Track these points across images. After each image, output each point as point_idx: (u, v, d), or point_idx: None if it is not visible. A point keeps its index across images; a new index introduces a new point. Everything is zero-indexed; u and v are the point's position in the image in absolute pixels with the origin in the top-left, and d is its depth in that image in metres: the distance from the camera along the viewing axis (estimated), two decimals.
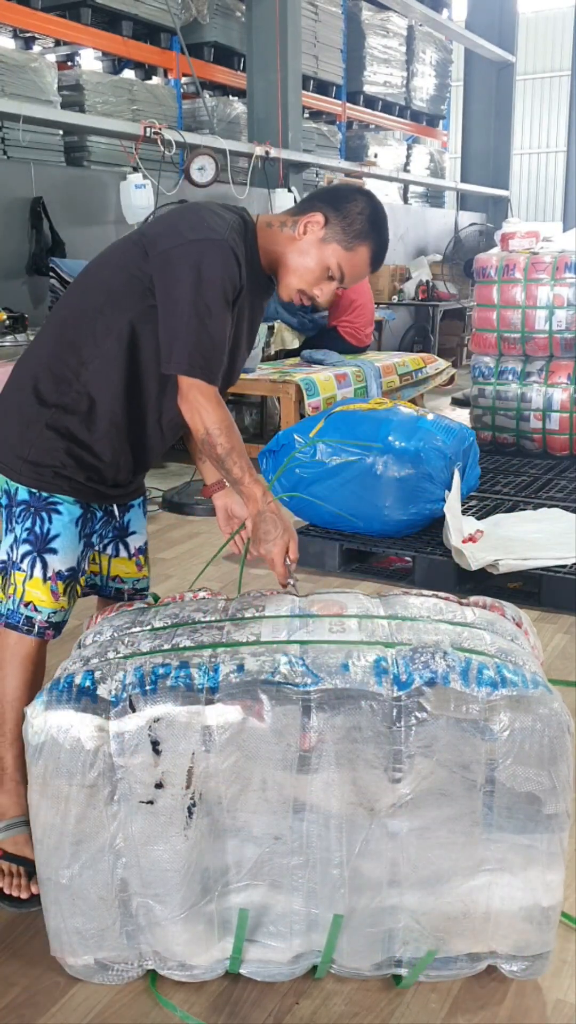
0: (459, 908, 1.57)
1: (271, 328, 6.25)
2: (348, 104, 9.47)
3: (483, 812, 1.52)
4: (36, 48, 7.27)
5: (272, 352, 6.41)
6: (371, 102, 9.98)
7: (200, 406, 1.73)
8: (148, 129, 5.86)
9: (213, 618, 1.71)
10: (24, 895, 1.81)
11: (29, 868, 1.80)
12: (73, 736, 1.51)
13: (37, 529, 1.81)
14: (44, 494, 1.81)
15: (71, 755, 1.51)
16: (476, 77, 12.12)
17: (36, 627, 1.82)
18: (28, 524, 1.81)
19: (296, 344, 6.55)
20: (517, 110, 13.04)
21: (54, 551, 1.81)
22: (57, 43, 7.11)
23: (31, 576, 1.81)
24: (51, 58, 7.11)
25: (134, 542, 2.03)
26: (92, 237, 5.71)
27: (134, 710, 1.50)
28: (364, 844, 1.53)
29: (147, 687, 1.51)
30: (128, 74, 7.59)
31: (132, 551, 2.03)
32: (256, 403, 6.41)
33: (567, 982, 1.67)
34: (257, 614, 1.71)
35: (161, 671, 1.53)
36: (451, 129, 12.87)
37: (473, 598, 1.85)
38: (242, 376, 5.52)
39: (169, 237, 1.73)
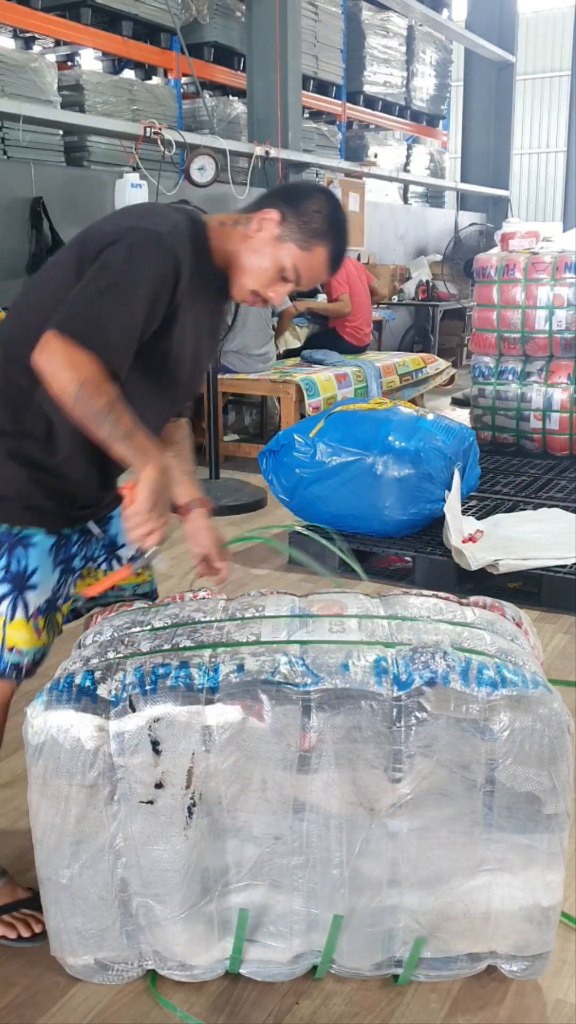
0: (459, 908, 1.57)
1: (273, 327, 6.25)
2: (348, 104, 9.46)
3: (483, 812, 1.52)
4: (36, 48, 7.27)
5: (281, 351, 6.42)
6: (371, 102, 9.98)
7: (65, 359, 1.50)
8: (148, 129, 5.86)
9: (213, 618, 1.71)
10: (38, 928, 1.77)
11: (31, 905, 1.79)
12: (73, 736, 1.51)
13: (14, 567, 1.68)
14: (14, 529, 1.69)
15: (71, 755, 1.51)
16: (476, 77, 12.12)
17: (23, 670, 1.73)
18: (3, 563, 1.68)
19: (297, 344, 6.55)
20: (517, 110, 13.03)
21: (33, 587, 1.70)
22: (57, 43, 7.11)
23: (12, 618, 1.69)
24: (51, 58, 7.11)
25: (127, 553, 1.92)
26: None
27: (134, 710, 1.50)
28: (364, 844, 1.53)
29: (147, 687, 1.51)
30: (128, 74, 7.59)
31: (125, 562, 1.92)
32: (256, 403, 6.42)
33: (567, 982, 1.67)
34: (257, 614, 1.71)
35: (161, 671, 1.53)
36: (451, 129, 12.87)
37: (473, 598, 1.85)
38: (243, 376, 5.55)
39: (101, 238, 1.62)
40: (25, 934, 1.77)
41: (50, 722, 1.52)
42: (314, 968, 1.65)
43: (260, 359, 5.60)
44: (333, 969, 1.65)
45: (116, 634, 1.69)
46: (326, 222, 1.70)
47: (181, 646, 1.59)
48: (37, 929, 1.77)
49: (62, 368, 1.50)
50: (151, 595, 2.01)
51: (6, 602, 1.68)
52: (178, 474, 1.95)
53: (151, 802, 1.52)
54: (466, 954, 1.61)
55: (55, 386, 1.52)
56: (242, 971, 1.65)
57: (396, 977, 1.64)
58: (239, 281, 1.73)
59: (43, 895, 1.62)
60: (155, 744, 1.50)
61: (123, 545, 1.90)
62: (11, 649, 1.70)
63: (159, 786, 1.51)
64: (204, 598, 1.85)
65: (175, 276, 1.59)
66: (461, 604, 1.80)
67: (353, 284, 6.47)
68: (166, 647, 1.60)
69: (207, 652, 1.57)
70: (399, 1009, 1.61)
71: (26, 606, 1.69)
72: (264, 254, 1.69)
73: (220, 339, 1.84)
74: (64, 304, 1.54)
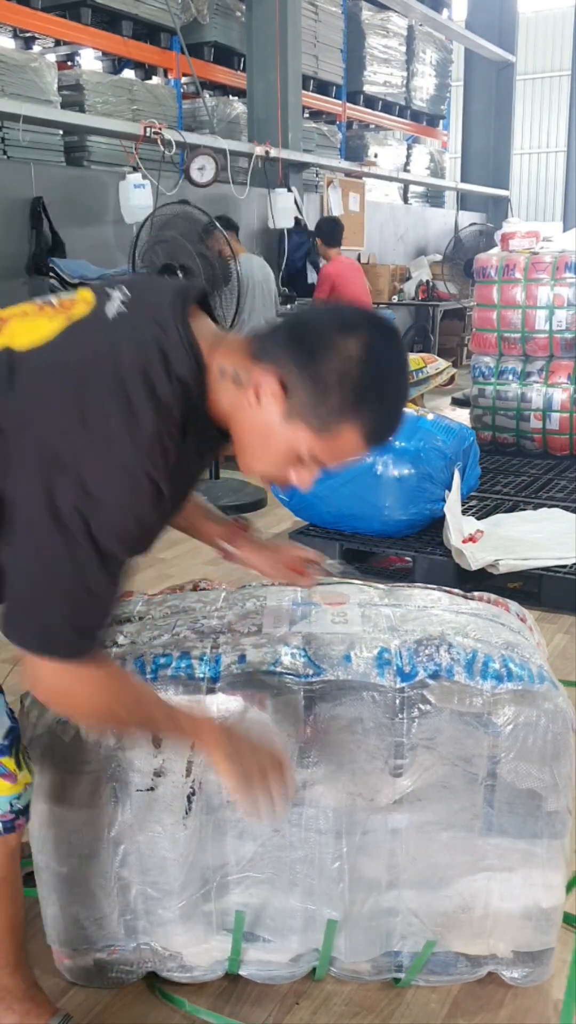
0: (459, 906, 1.57)
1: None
2: (348, 104, 9.46)
3: (484, 809, 1.52)
4: (36, 48, 7.27)
5: None
6: (371, 102, 9.99)
7: (75, 695, 1.24)
8: (148, 129, 5.85)
9: (214, 607, 1.70)
10: None
11: None
12: (73, 726, 1.50)
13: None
14: None
15: (71, 746, 1.51)
16: (476, 77, 12.13)
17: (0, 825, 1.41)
18: None
19: None
20: (517, 110, 13.04)
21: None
22: (57, 43, 7.12)
23: None
24: (51, 58, 7.11)
25: None
26: (92, 237, 5.71)
27: None
28: (364, 839, 1.53)
29: (147, 677, 1.50)
30: (128, 74, 7.59)
31: None
32: None
33: (564, 975, 1.66)
34: (259, 604, 1.70)
35: (162, 661, 1.52)
36: (451, 129, 12.87)
37: (477, 593, 1.85)
38: None
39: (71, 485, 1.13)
40: None
41: (50, 713, 1.51)
42: (314, 969, 1.65)
43: None
44: (333, 971, 1.64)
45: (116, 625, 1.68)
46: (354, 392, 1.17)
47: (182, 636, 1.59)
48: None
49: (70, 711, 1.31)
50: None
51: None
52: (196, 515, 1.69)
53: (151, 789, 1.51)
54: (466, 957, 1.60)
55: (69, 715, 1.38)
56: (241, 972, 1.65)
57: (397, 980, 1.64)
58: (244, 460, 1.28)
59: (40, 887, 1.61)
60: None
61: None
62: None
63: (158, 775, 1.51)
64: (204, 589, 1.84)
65: (160, 504, 1.18)
66: (466, 598, 1.79)
67: (345, 283, 6.48)
68: (166, 637, 1.59)
69: (208, 642, 1.56)
70: (399, 1010, 1.60)
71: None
72: (267, 436, 1.22)
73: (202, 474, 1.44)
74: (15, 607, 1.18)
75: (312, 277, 7.14)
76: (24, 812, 1.42)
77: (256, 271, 5.42)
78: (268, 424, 1.21)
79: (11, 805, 1.40)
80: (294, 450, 1.22)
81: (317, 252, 6.72)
